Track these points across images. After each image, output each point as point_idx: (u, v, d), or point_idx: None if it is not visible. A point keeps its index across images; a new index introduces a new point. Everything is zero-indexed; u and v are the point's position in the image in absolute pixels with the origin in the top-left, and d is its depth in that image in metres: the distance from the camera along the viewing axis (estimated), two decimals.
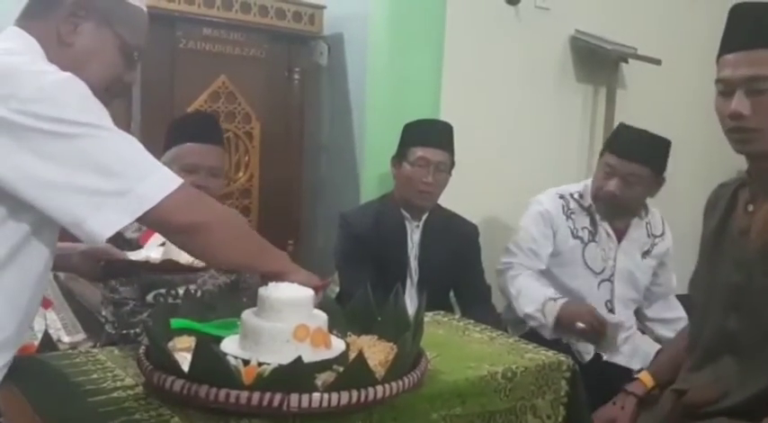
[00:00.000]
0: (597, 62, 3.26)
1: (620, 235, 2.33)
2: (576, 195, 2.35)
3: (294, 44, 2.82)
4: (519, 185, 3.07)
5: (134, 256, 1.58)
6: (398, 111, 2.60)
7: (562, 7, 3.13)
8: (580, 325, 2.11)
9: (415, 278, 2.35)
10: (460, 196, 2.60)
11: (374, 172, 2.71)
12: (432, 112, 2.69)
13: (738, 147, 1.43)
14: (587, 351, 2.25)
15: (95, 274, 1.56)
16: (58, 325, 2.48)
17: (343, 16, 2.91)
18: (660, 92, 3.42)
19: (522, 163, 3.10)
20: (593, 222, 2.32)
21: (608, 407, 1.70)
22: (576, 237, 2.31)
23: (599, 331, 2.11)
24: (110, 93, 1.28)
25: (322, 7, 2.82)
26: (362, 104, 2.83)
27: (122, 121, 2.54)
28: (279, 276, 1.25)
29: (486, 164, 2.95)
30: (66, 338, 2.36)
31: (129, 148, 1.12)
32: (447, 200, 2.48)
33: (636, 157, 2.19)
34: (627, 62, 3.26)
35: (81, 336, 2.37)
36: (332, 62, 3.00)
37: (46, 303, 2.34)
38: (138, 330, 1.90)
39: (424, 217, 2.41)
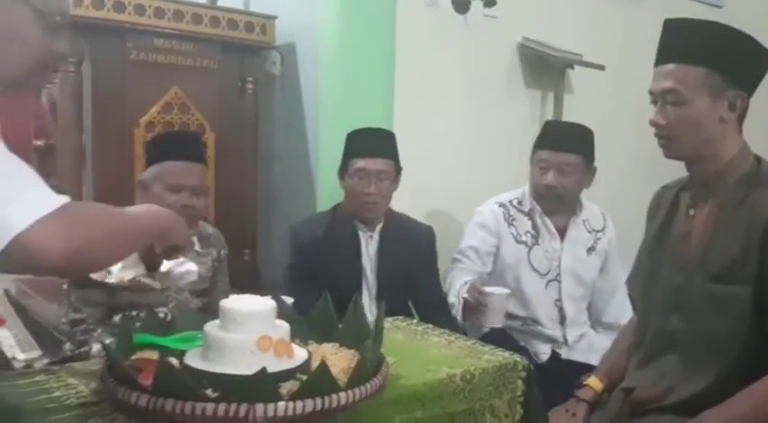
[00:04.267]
0: (544, 68, 3.35)
1: (562, 233, 2.41)
2: (514, 202, 2.45)
3: (247, 54, 2.83)
4: (469, 191, 3.13)
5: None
6: (351, 119, 2.62)
7: (510, 15, 3.21)
8: (464, 295, 2.14)
9: (373, 290, 2.34)
10: (411, 202, 2.63)
11: (329, 180, 2.71)
12: (384, 119, 2.72)
13: (663, 152, 1.55)
14: (544, 351, 2.31)
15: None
16: (11, 342, 2.45)
17: (295, 26, 2.93)
18: (604, 96, 3.53)
19: (472, 168, 3.17)
20: (535, 225, 2.41)
21: (560, 413, 1.75)
22: (519, 241, 2.39)
23: (481, 302, 2.07)
24: (49, 68, 1.16)
25: (273, 17, 2.83)
26: (316, 113, 2.85)
27: (73, 134, 2.52)
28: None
29: (438, 170, 3.00)
30: (20, 355, 2.32)
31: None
32: (398, 207, 2.51)
33: (566, 147, 2.33)
34: (573, 68, 3.35)
35: (36, 352, 2.34)
36: (285, 72, 3.01)
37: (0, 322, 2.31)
38: (90, 349, 1.88)
39: (379, 227, 2.37)
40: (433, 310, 2.33)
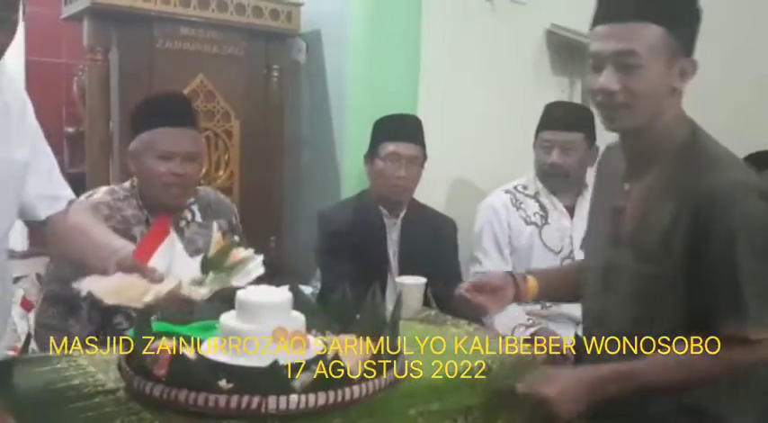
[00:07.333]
0: (573, 55, 3.29)
1: (571, 212, 2.45)
2: (520, 187, 2.51)
3: (272, 42, 2.83)
4: (496, 179, 3.10)
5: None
6: (377, 106, 2.62)
7: (537, 1, 3.15)
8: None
9: (396, 275, 2.34)
10: (437, 191, 2.62)
11: (354, 167, 2.73)
12: (409, 106, 2.71)
13: (607, 124, 1.40)
14: (567, 334, 2.31)
15: None
16: None
17: (321, 13, 2.92)
18: None
19: (498, 156, 3.12)
20: (542, 206, 2.45)
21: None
22: (529, 223, 2.43)
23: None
24: None
25: (299, 4, 2.83)
26: (341, 101, 2.85)
27: (101, 122, 2.55)
28: None
29: (463, 158, 2.97)
30: None
31: None
32: (423, 194, 2.51)
33: (568, 126, 2.41)
34: None
35: None
36: (310, 59, 3.00)
37: (28, 305, 2.35)
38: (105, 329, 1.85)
39: (402, 214, 2.43)
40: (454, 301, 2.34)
